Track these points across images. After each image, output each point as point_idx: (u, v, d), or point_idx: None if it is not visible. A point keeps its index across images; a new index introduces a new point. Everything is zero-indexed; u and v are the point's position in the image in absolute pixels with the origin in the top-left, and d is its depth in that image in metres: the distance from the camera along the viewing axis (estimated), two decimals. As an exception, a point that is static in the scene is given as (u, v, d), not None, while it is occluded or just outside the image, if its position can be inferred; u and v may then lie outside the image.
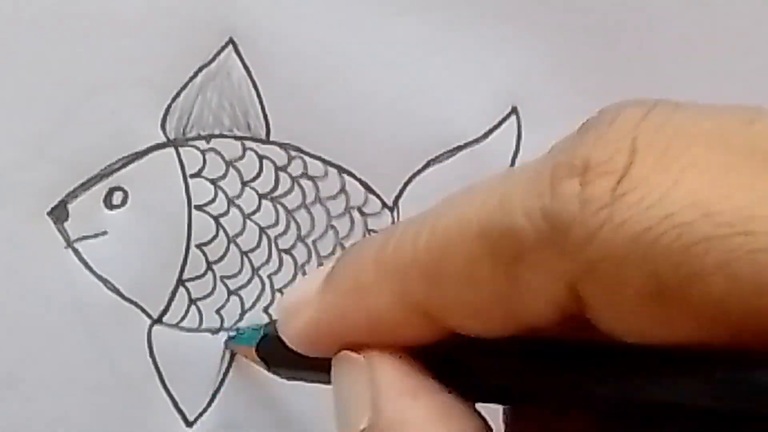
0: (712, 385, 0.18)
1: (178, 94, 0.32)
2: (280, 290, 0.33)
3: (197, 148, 0.33)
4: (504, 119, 0.34)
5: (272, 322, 0.26)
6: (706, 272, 0.18)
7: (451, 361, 0.22)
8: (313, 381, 0.25)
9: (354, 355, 0.22)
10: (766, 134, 0.19)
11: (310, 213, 0.33)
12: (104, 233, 0.32)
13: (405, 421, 0.21)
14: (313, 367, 0.24)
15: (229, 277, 0.33)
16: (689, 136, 0.19)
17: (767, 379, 0.18)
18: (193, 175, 0.33)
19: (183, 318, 0.33)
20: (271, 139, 0.33)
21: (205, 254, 0.33)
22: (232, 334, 0.32)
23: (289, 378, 0.27)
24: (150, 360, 0.32)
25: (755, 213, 0.18)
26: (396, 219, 0.34)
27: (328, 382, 0.24)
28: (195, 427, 0.33)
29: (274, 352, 0.26)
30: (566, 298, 0.19)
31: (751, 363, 0.18)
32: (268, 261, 0.33)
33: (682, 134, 0.19)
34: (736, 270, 0.17)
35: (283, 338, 0.24)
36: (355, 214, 0.34)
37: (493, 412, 0.23)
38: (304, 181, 0.33)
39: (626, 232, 0.18)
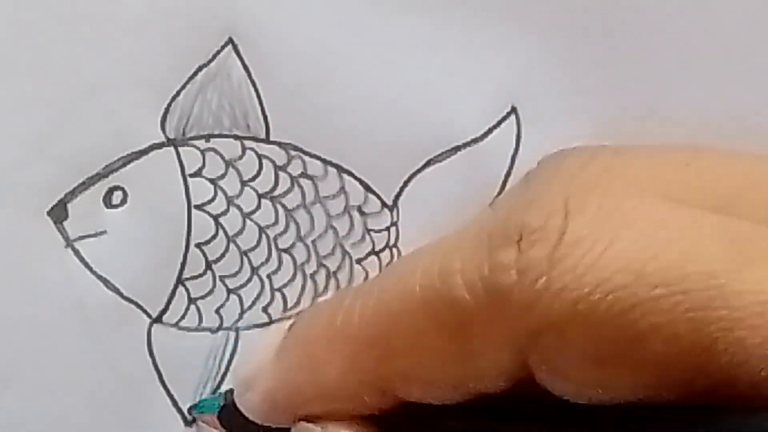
0: None
1: (177, 94, 0.32)
2: (279, 289, 0.33)
3: (197, 148, 0.33)
4: (503, 119, 0.34)
5: (230, 391, 0.26)
6: (644, 336, 0.17)
7: (407, 423, 0.22)
8: None
9: (311, 426, 0.22)
10: (700, 175, 0.19)
11: (309, 212, 0.33)
12: (104, 232, 0.32)
13: None
14: None
15: (228, 277, 0.33)
16: (624, 187, 0.19)
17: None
18: (192, 175, 0.33)
19: (182, 317, 0.33)
20: (271, 138, 0.33)
21: (204, 253, 0.33)
22: (194, 403, 0.32)
23: None
24: (149, 359, 0.32)
25: (688, 270, 0.17)
26: (396, 218, 0.34)
27: None
28: (194, 426, 0.33)
29: (235, 421, 0.26)
30: (513, 364, 0.19)
31: (705, 416, 0.18)
32: (267, 260, 0.33)
33: (617, 186, 0.19)
34: (674, 331, 0.17)
35: (241, 408, 0.24)
36: (355, 214, 0.34)
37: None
38: (303, 181, 0.33)
39: (564, 299, 0.18)
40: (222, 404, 0.28)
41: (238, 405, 0.24)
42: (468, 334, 0.19)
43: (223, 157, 0.33)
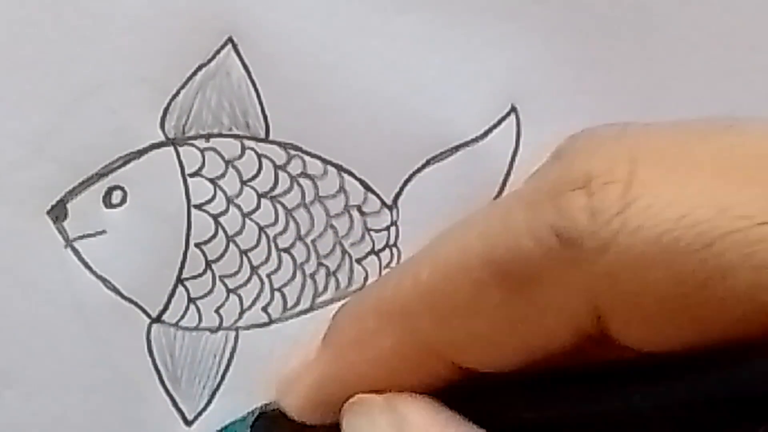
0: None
1: (177, 93, 0.32)
2: (279, 289, 0.33)
3: (196, 147, 0.33)
4: (503, 118, 0.34)
5: (262, 406, 0.26)
6: (731, 267, 0.17)
7: (463, 403, 0.21)
8: None
9: (370, 396, 0.22)
10: (744, 139, 0.19)
11: (309, 212, 0.33)
12: (103, 232, 0.32)
13: None
14: None
15: (228, 276, 0.33)
16: (679, 145, 0.19)
17: None
18: (192, 174, 0.33)
19: (182, 317, 0.33)
20: (271, 138, 0.33)
21: (204, 253, 0.33)
22: (219, 427, 0.31)
23: None
24: (149, 359, 0.32)
25: None
26: (395, 218, 0.34)
27: None
28: (194, 426, 0.33)
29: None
30: (585, 314, 0.19)
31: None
32: (267, 260, 0.33)
33: (671, 143, 0.19)
34: (762, 260, 0.17)
35: (286, 409, 0.23)
36: (355, 213, 0.34)
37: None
38: (303, 180, 0.33)
39: (643, 236, 0.18)
40: (254, 419, 0.27)
41: (282, 405, 0.23)
42: (536, 286, 0.19)
43: (222, 157, 0.33)
